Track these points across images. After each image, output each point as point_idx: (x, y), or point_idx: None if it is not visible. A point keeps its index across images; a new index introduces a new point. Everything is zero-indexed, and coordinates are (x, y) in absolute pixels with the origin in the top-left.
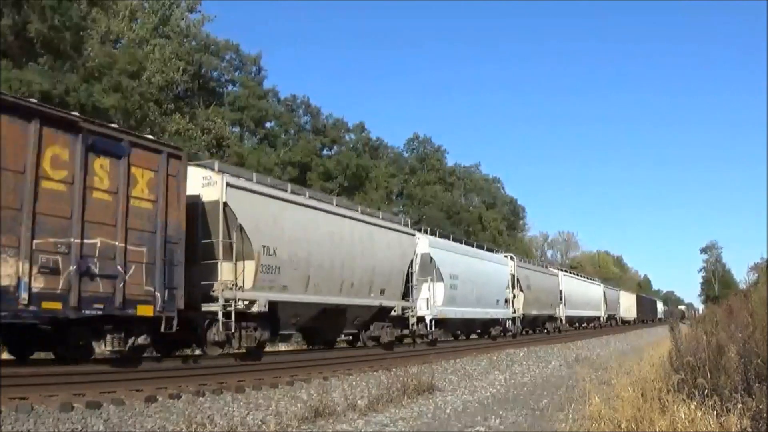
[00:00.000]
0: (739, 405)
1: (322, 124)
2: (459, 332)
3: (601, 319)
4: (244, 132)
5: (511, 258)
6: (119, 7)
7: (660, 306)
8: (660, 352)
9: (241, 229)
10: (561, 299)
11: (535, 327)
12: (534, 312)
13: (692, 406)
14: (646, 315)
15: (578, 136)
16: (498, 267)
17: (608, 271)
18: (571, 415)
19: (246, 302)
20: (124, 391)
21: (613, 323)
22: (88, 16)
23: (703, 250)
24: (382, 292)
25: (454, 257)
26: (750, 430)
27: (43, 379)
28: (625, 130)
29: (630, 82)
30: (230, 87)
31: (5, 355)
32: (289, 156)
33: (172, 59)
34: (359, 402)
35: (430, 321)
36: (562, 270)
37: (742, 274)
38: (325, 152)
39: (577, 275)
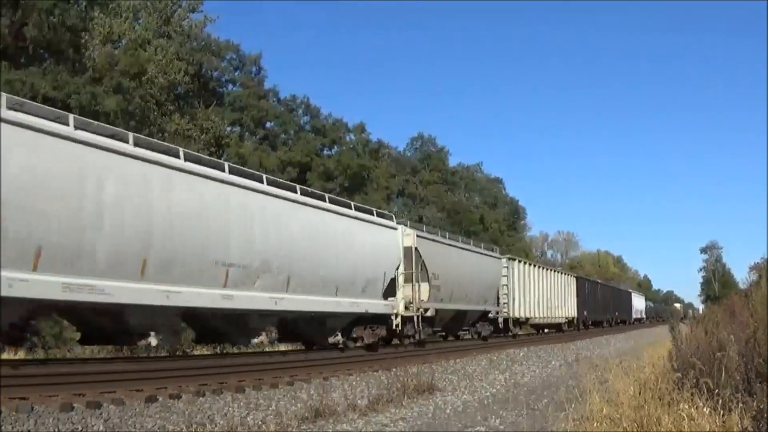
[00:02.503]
0: (740, 405)
1: (321, 125)
2: None
3: (393, 320)
4: (244, 132)
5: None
6: (122, 8)
7: (639, 301)
8: (660, 351)
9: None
10: None
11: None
12: None
13: (693, 406)
14: (602, 314)
15: (579, 136)
16: None
17: (608, 271)
18: (571, 415)
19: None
20: (124, 391)
21: (470, 333)
22: (87, 16)
23: (703, 250)
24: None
25: None
26: (751, 429)
27: (43, 379)
28: (626, 130)
29: (630, 82)
30: (230, 87)
31: (5, 355)
32: (289, 156)
33: (174, 60)
34: (359, 402)
35: None
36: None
37: (742, 274)
38: (325, 152)
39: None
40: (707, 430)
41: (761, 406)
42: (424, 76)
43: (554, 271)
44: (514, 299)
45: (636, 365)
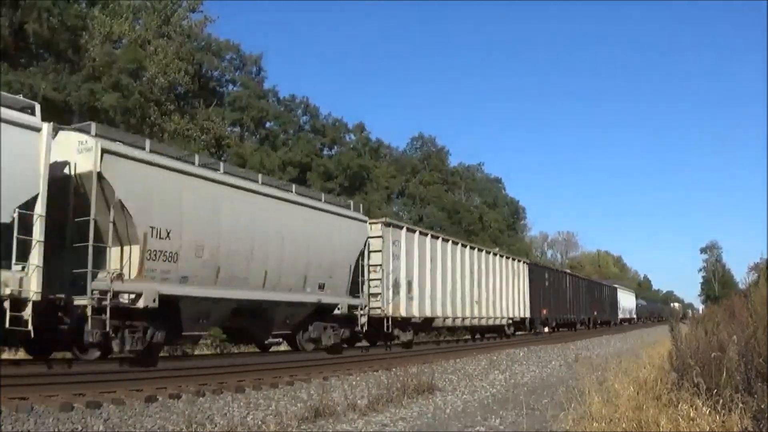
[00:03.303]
0: (740, 404)
1: (321, 125)
2: None
3: (10, 312)
4: (244, 132)
5: None
6: (122, 8)
7: (627, 298)
8: (660, 351)
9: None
10: None
11: None
12: None
13: (693, 406)
14: (573, 313)
15: (579, 136)
16: None
17: (608, 271)
18: (570, 415)
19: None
20: (124, 391)
21: (299, 342)
22: (87, 15)
23: (703, 250)
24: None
25: None
26: (751, 429)
27: (43, 379)
28: (626, 130)
29: (630, 81)
30: (230, 87)
31: (5, 355)
32: (289, 156)
33: (174, 60)
34: (359, 402)
35: None
36: None
37: (742, 274)
38: (325, 152)
39: None
40: (707, 430)
41: (761, 406)
42: (425, 76)
43: (488, 252)
44: (397, 288)
45: (635, 365)
